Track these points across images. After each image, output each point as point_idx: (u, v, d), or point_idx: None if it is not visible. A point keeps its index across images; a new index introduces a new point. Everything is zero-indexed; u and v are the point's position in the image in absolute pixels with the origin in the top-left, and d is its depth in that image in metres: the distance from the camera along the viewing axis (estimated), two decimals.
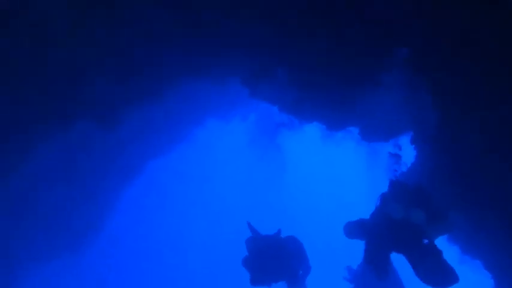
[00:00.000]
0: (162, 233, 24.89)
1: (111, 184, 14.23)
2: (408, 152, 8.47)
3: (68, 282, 15.86)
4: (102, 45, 8.36)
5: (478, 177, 7.29)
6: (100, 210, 14.75)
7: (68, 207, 12.70)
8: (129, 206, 17.96)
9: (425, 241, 6.39)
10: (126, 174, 14.76)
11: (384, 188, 7.00)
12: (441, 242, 7.70)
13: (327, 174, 24.66)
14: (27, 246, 12.25)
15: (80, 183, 12.57)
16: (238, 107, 16.48)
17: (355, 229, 6.81)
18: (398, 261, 7.07)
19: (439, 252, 6.15)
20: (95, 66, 8.65)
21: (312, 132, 9.84)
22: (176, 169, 21.70)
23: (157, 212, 24.04)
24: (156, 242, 24.58)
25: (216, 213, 26.82)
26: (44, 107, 8.90)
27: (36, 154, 10.08)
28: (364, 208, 7.38)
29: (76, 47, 8.17)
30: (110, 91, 9.32)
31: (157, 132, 13.82)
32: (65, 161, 11.46)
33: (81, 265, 15.92)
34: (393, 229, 6.43)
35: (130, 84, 9.39)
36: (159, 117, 12.73)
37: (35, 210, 11.75)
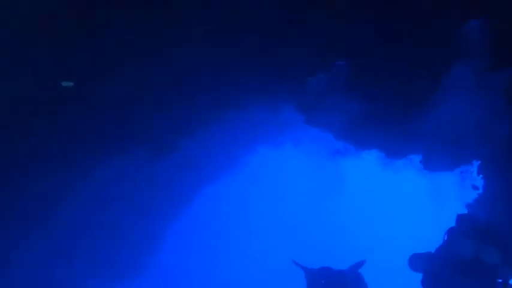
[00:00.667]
0: (215, 262, 24.82)
1: (163, 210, 14.37)
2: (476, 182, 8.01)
3: None
4: (156, 77, 8.48)
5: None
6: (152, 236, 14.89)
7: (119, 232, 12.88)
8: (181, 234, 18.04)
9: (499, 281, 6.03)
10: (177, 202, 14.87)
11: (450, 222, 6.59)
12: None
13: (387, 205, 23.82)
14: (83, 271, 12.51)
15: (133, 209, 12.77)
16: (290, 133, 16.36)
17: (421, 262, 6.50)
18: None
19: None
20: (149, 98, 8.77)
21: (370, 160, 9.53)
22: (228, 196, 21.73)
23: (209, 241, 24.06)
24: (209, 274, 24.50)
25: (270, 244, 26.45)
26: (104, 133, 9.13)
27: (92, 177, 10.33)
28: (428, 242, 7.04)
29: (136, 76, 8.33)
30: (165, 119, 9.48)
31: (209, 160, 13.89)
32: (118, 188, 11.66)
33: None
34: (463, 267, 6.10)
35: (183, 113, 9.51)
36: (211, 145, 12.79)
37: (91, 232, 11.98)
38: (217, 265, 24.78)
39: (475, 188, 8.25)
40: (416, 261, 6.55)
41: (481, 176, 7.85)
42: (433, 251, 6.59)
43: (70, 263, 11.87)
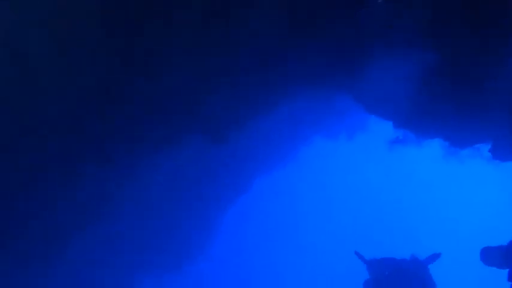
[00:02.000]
0: (268, 252, 24.91)
1: (219, 200, 14.50)
2: None
3: None
4: (215, 61, 8.46)
5: None
6: (207, 225, 15.09)
7: (175, 222, 13.11)
8: (235, 223, 18.19)
9: None
10: (233, 191, 14.93)
11: None
12: None
13: (450, 197, 22.91)
14: (135, 263, 12.83)
15: (187, 199, 12.92)
16: (345, 123, 16.01)
17: (494, 256, 6.26)
18: None
19: None
20: (208, 84, 8.77)
21: (432, 149, 9.06)
22: (283, 187, 21.65)
23: (263, 231, 24.14)
24: (262, 262, 24.64)
25: (326, 234, 26.18)
26: (159, 122, 9.23)
27: (148, 167, 10.49)
28: (500, 234, 6.63)
29: (193, 66, 8.33)
30: (222, 107, 9.46)
31: (265, 149, 13.84)
32: (175, 176, 11.79)
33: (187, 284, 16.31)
34: None
35: (239, 102, 9.44)
36: (266, 135, 12.71)
37: (143, 224, 12.20)
38: (271, 257, 24.88)
39: None
40: (489, 254, 6.33)
41: None
42: (505, 245, 6.27)
43: (122, 255, 12.15)
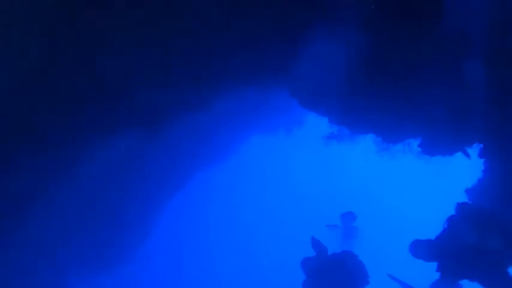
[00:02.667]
0: (204, 247, 24.73)
1: (155, 196, 14.22)
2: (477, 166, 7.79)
3: None
4: (149, 51, 8.23)
5: None
6: (142, 224, 14.70)
7: (108, 219, 12.66)
8: (172, 221, 17.87)
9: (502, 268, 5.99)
10: (170, 187, 14.72)
11: (451, 208, 6.53)
12: None
13: (383, 191, 23.74)
14: (72, 257, 12.34)
15: (121, 195, 12.52)
16: (283, 119, 16.17)
17: (423, 249, 6.49)
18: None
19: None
20: (140, 74, 8.54)
21: (366, 145, 9.28)
22: (221, 182, 21.53)
23: (201, 229, 23.92)
24: (199, 262, 24.43)
25: (262, 231, 26.35)
26: (91, 114, 8.89)
27: (82, 161, 10.08)
28: (427, 228, 6.89)
29: (124, 55, 8.07)
30: (156, 99, 9.21)
31: (203, 145, 13.67)
32: (110, 171, 11.41)
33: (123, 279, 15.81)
34: (465, 255, 6.09)
35: (174, 96, 9.24)
36: (205, 127, 12.54)
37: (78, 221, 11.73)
38: (208, 255, 24.75)
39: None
40: (418, 247, 6.53)
41: (483, 159, 7.58)
42: (433, 239, 6.52)
43: (56, 253, 11.61)
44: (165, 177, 13.74)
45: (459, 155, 8.08)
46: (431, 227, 6.65)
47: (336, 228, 9.54)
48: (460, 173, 8.67)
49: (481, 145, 7.58)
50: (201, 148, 13.58)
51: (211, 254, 24.82)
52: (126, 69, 8.31)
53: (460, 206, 6.46)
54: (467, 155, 7.76)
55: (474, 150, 7.81)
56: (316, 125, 10.62)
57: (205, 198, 21.87)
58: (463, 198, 7.79)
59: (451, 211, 6.52)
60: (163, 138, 10.27)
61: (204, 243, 24.47)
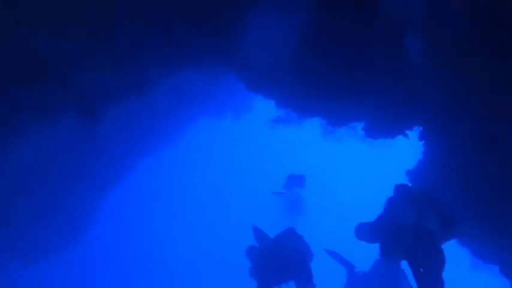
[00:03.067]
0: (149, 234, 24.44)
1: (98, 182, 13.77)
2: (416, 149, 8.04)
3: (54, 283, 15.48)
4: (86, 34, 7.84)
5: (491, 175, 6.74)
6: (85, 209, 14.27)
7: (50, 206, 12.21)
8: (116, 206, 17.49)
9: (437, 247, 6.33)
10: (114, 172, 14.32)
11: (390, 190, 6.84)
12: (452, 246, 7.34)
13: (328, 174, 24.24)
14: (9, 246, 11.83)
15: (62, 181, 12.04)
16: (231, 103, 16.08)
17: (366, 231, 6.77)
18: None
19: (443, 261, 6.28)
20: (78, 57, 8.16)
21: (312, 128, 9.37)
22: (166, 168, 21.25)
23: (145, 213, 23.58)
24: (143, 244, 24.14)
25: (207, 216, 26.30)
26: (25, 99, 8.44)
27: (18, 147, 9.59)
28: (369, 210, 7.06)
29: (59, 37, 7.69)
30: (95, 82, 8.85)
31: (146, 129, 13.33)
32: (47, 157, 10.96)
33: (67, 265, 15.56)
34: (404, 234, 6.34)
35: (116, 75, 8.89)
36: (147, 112, 12.24)
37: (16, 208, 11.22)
38: (156, 240, 24.49)
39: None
40: (362, 230, 6.80)
41: (423, 142, 7.83)
42: (374, 220, 6.83)
43: None
44: (109, 162, 13.33)
45: (401, 138, 8.35)
46: (374, 209, 6.86)
47: (282, 195, 9.64)
48: (402, 155, 8.93)
49: (421, 128, 7.81)
50: (146, 131, 13.25)
51: (159, 239, 24.61)
52: (65, 50, 7.92)
53: (398, 188, 6.73)
54: (406, 136, 7.98)
55: (415, 132, 8.06)
56: (264, 108, 10.61)
57: (152, 182, 21.57)
58: (404, 180, 8.03)
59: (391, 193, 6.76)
60: (106, 121, 9.91)
61: (151, 228, 24.20)
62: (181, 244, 25.79)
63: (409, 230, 6.30)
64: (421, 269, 6.38)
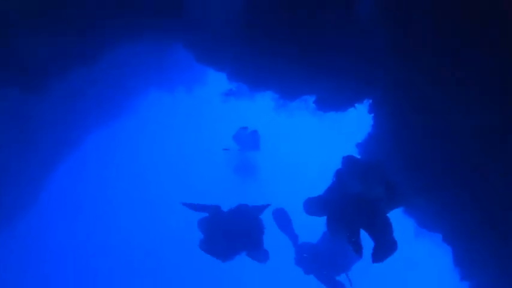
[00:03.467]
0: (98, 212, 24.00)
1: (43, 158, 13.27)
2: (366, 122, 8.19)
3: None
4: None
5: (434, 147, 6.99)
6: (29, 187, 13.77)
7: None
8: (63, 183, 16.99)
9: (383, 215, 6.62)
10: (59, 148, 13.79)
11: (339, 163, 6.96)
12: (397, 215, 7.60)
13: (280, 148, 24.42)
14: None
15: (5, 160, 11.49)
16: (182, 76, 15.74)
17: (315, 205, 6.93)
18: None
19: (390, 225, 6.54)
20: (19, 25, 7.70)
21: (264, 101, 9.32)
22: (115, 143, 20.72)
23: (93, 189, 23.07)
24: (92, 222, 23.72)
25: (157, 191, 25.99)
26: None
27: None
28: (320, 183, 7.14)
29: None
30: (37, 53, 8.32)
31: (92, 102, 12.84)
32: None
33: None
34: (351, 204, 6.55)
35: (59, 46, 8.39)
36: (93, 85, 11.78)
37: None
38: (104, 214, 24.15)
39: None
40: (310, 205, 6.96)
41: (372, 115, 7.98)
42: (322, 193, 7.03)
43: None
44: (54, 138, 12.81)
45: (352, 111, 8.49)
46: (324, 182, 6.97)
47: (233, 151, 9.45)
48: (352, 128, 9.07)
49: (370, 101, 7.94)
50: (93, 105, 12.77)
51: (106, 213, 24.26)
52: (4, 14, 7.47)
53: (345, 159, 6.87)
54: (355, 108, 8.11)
55: (364, 106, 8.20)
56: (217, 82, 10.43)
57: (100, 157, 21.06)
58: (355, 152, 8.18)
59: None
60: (50, 94, 9.46)
61: (99, 201, 23.81)
62: (132, 216, 25.56)
63: (355, 199, 6.49)
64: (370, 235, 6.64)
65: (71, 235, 22.51)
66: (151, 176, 26.18)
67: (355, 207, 6.55)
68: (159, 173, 26.28)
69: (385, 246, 6.52)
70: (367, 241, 6.79)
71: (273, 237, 8.51)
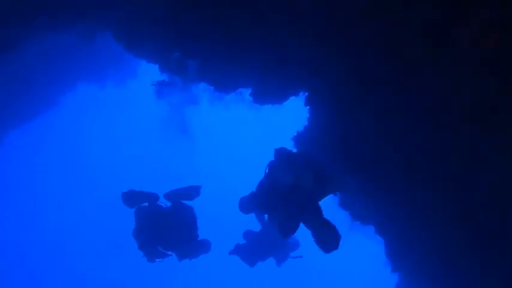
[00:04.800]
0: (20, 215, 22.84)
1: None
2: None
3: None
4: None
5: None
6: None
7: None
8: None
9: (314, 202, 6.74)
10: None
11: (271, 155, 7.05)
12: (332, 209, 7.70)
13: (215, 142, 24.25)
14: None
15: None
16: (112, 69, 15.17)
17: (249, 203, 7.06)
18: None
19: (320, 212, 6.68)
20: None
21: (197, 94, 9.08)
22: (40, 140, 19.69)
23: (17, 191, 21.88)
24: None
25: (87, 188, 25.07)
26: None
27: None
28: (254, 178, 7.21)
29: None
30: None
31: (14, 96, 12.01)
32: None
33: None
34: (284, 195, 6.66)
35: None
36: (15, 77, 11.00)
37: None
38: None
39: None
40: (244, 203, 7.11)
41: (308, 107, 7.99)
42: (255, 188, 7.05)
43: None
44: None
45: (288, 103, 8.46)
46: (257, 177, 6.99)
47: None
48: (288, 121, 9.07)
49: (306, 93, 7.95)
50: (13, 99, 11.95)
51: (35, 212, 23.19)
52: None
53: (277, 151, 6.98)
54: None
55: (301, 98, 8.19)
56: (149, 73, 10.06)
57: (22, 156, 19.98)
58: (290, 145, 8.18)
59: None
60: None
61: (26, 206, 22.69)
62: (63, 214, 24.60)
63: (286, 188, 6.61)
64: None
65: None
66: (82, 173, 25.23)
67: (286, 198, 6.68)
68: (90, 169, 25.36)
69: (324, 232, 6.67)
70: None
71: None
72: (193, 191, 8.33)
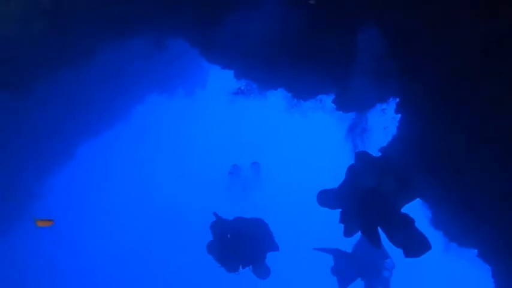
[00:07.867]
0: (98, 224, 23.73)
1: (39, 166, 13.20)
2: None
3: None
4: None
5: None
6: (21, 201, 13.32)
7: None
8: (58, 195, 16.62)
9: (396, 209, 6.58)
10: (54, 159, 13.71)
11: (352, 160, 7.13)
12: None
13: (293, 150, 24.05)
14: None
15: None
16: (182, 78, 15.41)
17: (328, 197, 7.07)
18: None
19: (411, 221, 6.42)
20: None
21: (275, 101, 8.85)
22: (112, 152, 20.40)
23: (93, 201, 22.79)
24: (92, 234, 23.48)
25: (162, 201, 25.66)
26: None
27: None
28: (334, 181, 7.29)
29: None
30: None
31: (87, 109, 12.39)
32: None
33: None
34: (365, 198, 6.62)
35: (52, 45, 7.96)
36: (87, 89, 11.33)
37: None
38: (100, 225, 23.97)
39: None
40: (324, 197, 7.12)
41: (399, 114, 7.47)
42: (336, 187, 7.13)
43: None
44: (45, 147, 12.40)
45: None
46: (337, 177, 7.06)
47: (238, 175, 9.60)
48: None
49: (397, 100, 7.44)
50: (85, 111, 12.31)
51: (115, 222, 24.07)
52: None
53: (358, 154, 7.09)
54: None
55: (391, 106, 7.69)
56: (221, 82, 9.99)
57: (93, 168, 20.77)
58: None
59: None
60: (36, 100, 9.02)
61: (99, 211, 23.61)
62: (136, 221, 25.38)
63: (368, 193, 6.59)
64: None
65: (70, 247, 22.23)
66: (154, 182, 25.90)
67: (368, 202, 6.62)
68: (162, 179, 25.99)
69: (413, 241, 6.45)
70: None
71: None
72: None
